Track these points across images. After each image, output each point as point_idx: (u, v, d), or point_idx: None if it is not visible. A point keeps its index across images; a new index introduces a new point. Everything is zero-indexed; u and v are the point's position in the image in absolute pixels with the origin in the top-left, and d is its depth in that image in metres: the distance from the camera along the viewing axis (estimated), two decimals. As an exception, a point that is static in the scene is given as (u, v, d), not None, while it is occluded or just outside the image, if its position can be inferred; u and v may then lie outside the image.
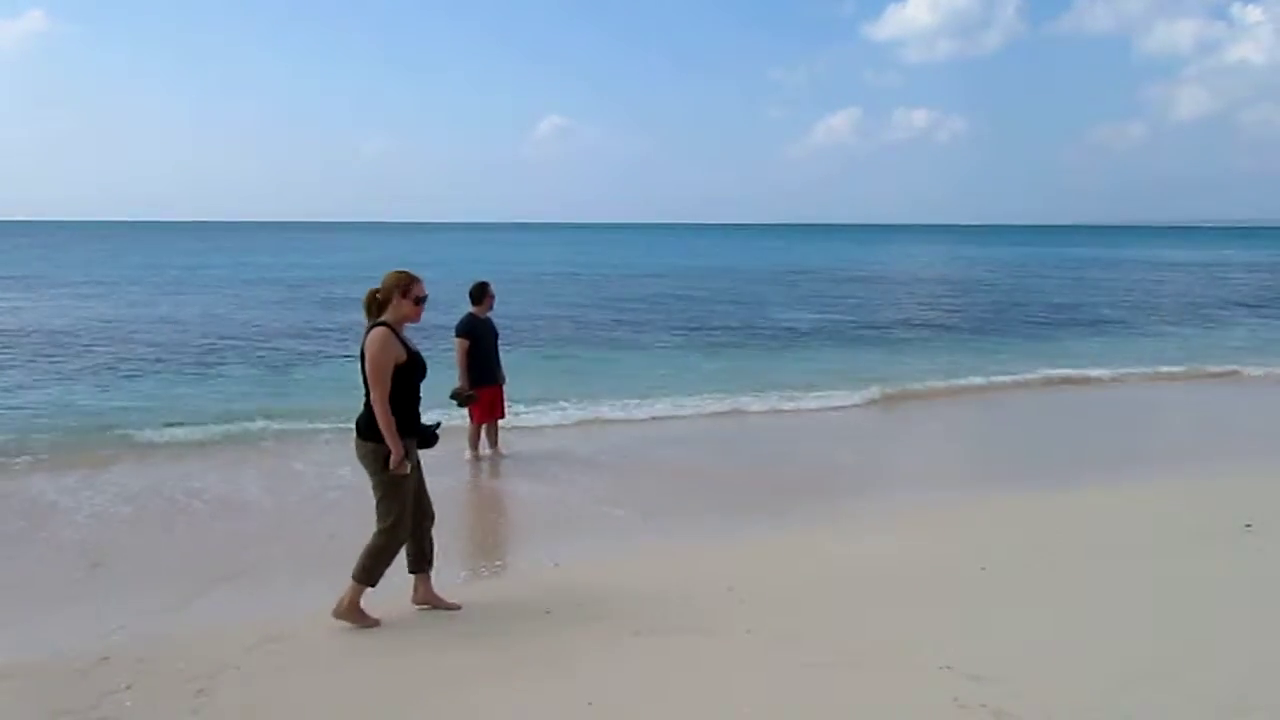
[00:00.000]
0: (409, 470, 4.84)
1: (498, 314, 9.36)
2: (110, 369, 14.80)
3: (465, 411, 8.99)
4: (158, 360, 15.65)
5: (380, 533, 4.91)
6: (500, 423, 9.37)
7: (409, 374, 4.80)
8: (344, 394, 9.80)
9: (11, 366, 15.05)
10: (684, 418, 11.54)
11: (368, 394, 4.76)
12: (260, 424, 10.47)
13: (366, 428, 4.79)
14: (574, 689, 4.15)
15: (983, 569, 5.79)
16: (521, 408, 11.00)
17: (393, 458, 4.74)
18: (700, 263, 57.94)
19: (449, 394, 8.78)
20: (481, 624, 5.01)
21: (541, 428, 10.76)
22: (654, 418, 11.45)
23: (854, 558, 6.18)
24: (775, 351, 18.58)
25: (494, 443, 9.23)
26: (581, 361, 16.56)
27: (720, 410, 11.95)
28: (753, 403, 12.34)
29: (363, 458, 4.87)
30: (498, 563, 6.84)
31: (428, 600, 5.21)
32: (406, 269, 4.97)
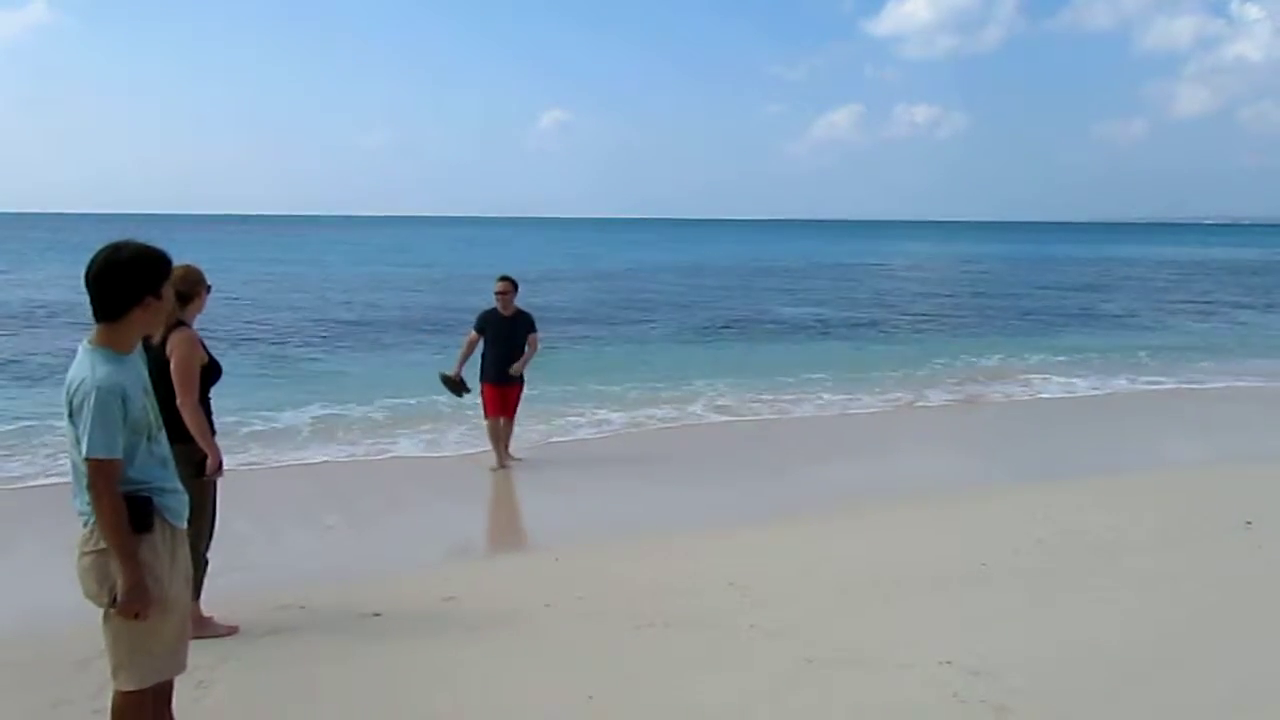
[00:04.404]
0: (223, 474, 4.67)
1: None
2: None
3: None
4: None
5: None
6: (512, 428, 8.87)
7: (206, 377, 4.65)
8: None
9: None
10: (685, 413, 11.52)
11: (159, 400, 4.48)
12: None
13: (169, 433, 4.46)
14: (574, 683, 4.15)
15: (983, 564, 5.79)
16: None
17: (210, 461, 4.55)
18: (700, 258, 57.90)
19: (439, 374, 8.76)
20: (482, 617, 5.01)
21: (540, 423, 10.74)
22: (654, 414, 11.43)
23: (855, 553, 6.18)
24: (776, 346, 18.60)
25: (505, 448, 8.75)
26: (578, 357, 16.55)
27: (723, 407, 11.95)
28: (756, 400, 12.35)
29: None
30: (498, 556, 6.85)
31: (198, 628, 4.37)
32: (191, 263, 4.73)
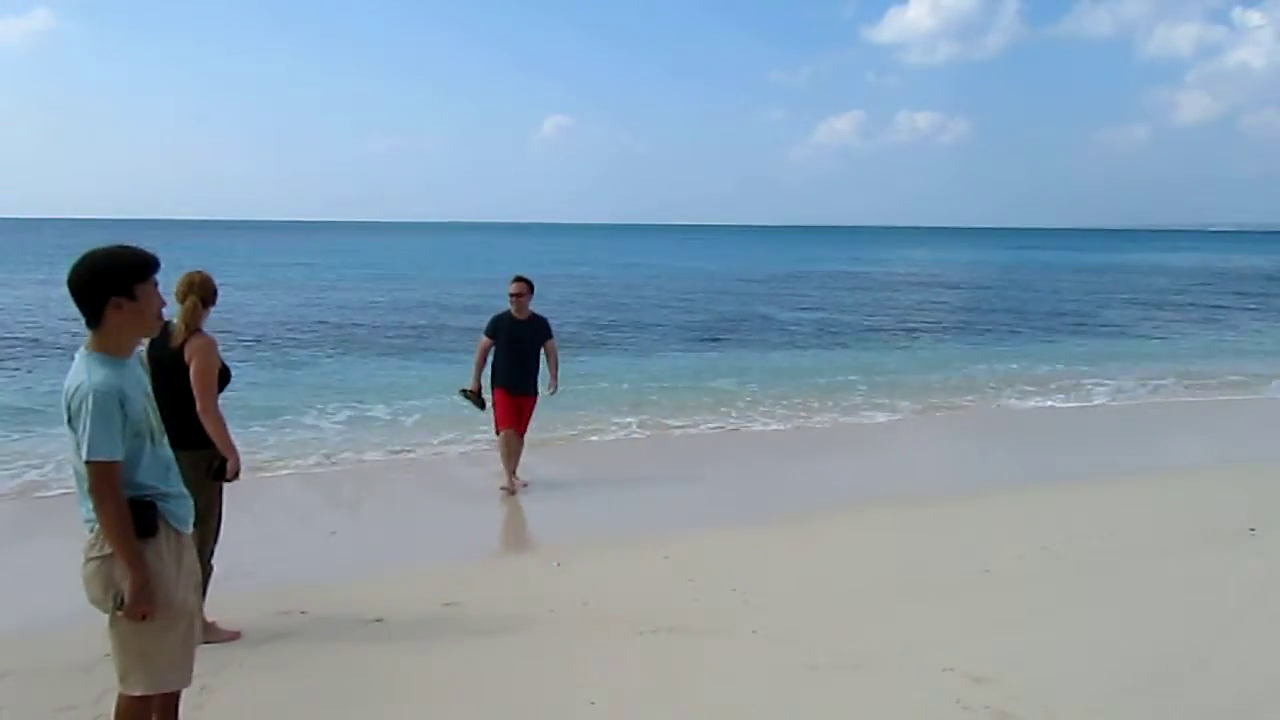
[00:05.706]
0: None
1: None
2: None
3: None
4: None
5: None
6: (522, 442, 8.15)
7: (218, 383, 4.63)
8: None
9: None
10: (686, 419, 11.51)
11: (176, 405, 4.28)
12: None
13: (185, 438, 4.16)
14: (576, 688, 4.15)
15: (987, 571, 5.78)
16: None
17: (230, 464, 4.55)
18: (701, 264, 57.92)
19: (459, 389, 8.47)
20: (484, 622, 5.01)
21: (541, 428, 10.73)
22: (654, 419, 11.42)
23: (858, 559, 6.17)
24: (778, 352, 18.60)
25: (512, 469, 8.08)
26: (579, 362, 16.54)
27: (724, 413, 11.94)
28: (758, 405, 12.35)
29: (184, 469, 4.49)
30: (500, 560, 6.85)
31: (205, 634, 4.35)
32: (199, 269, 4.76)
